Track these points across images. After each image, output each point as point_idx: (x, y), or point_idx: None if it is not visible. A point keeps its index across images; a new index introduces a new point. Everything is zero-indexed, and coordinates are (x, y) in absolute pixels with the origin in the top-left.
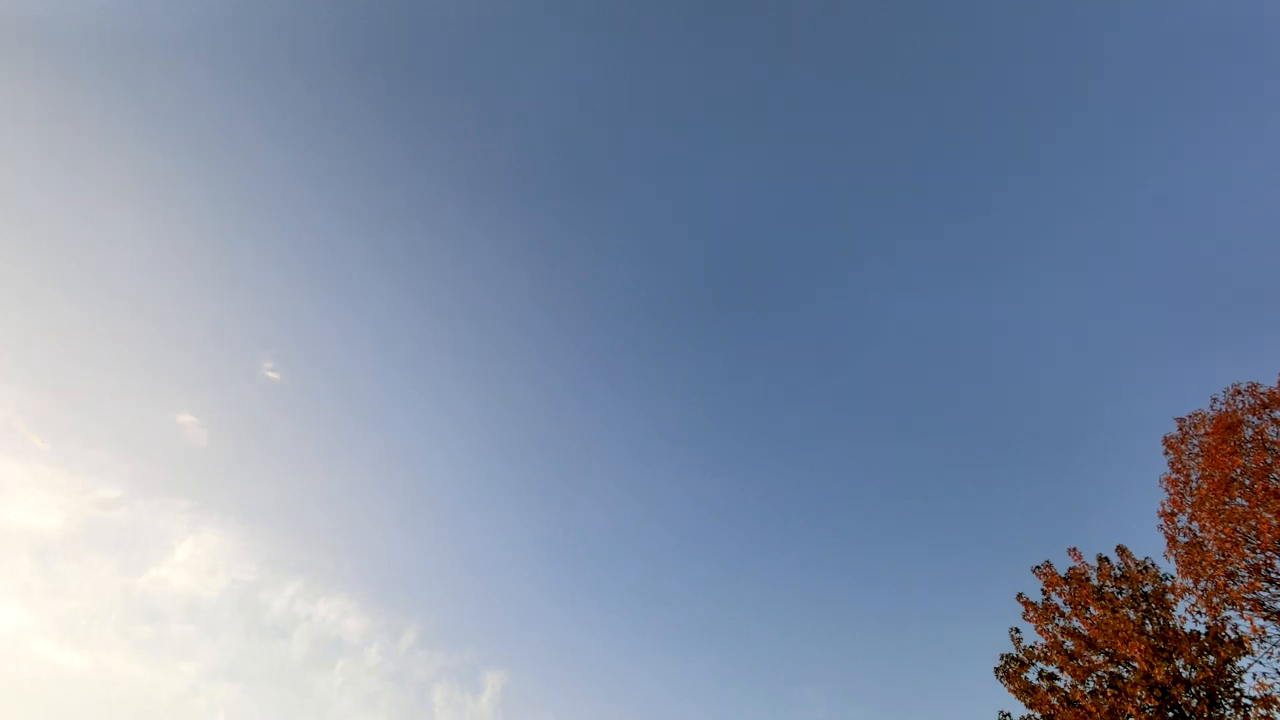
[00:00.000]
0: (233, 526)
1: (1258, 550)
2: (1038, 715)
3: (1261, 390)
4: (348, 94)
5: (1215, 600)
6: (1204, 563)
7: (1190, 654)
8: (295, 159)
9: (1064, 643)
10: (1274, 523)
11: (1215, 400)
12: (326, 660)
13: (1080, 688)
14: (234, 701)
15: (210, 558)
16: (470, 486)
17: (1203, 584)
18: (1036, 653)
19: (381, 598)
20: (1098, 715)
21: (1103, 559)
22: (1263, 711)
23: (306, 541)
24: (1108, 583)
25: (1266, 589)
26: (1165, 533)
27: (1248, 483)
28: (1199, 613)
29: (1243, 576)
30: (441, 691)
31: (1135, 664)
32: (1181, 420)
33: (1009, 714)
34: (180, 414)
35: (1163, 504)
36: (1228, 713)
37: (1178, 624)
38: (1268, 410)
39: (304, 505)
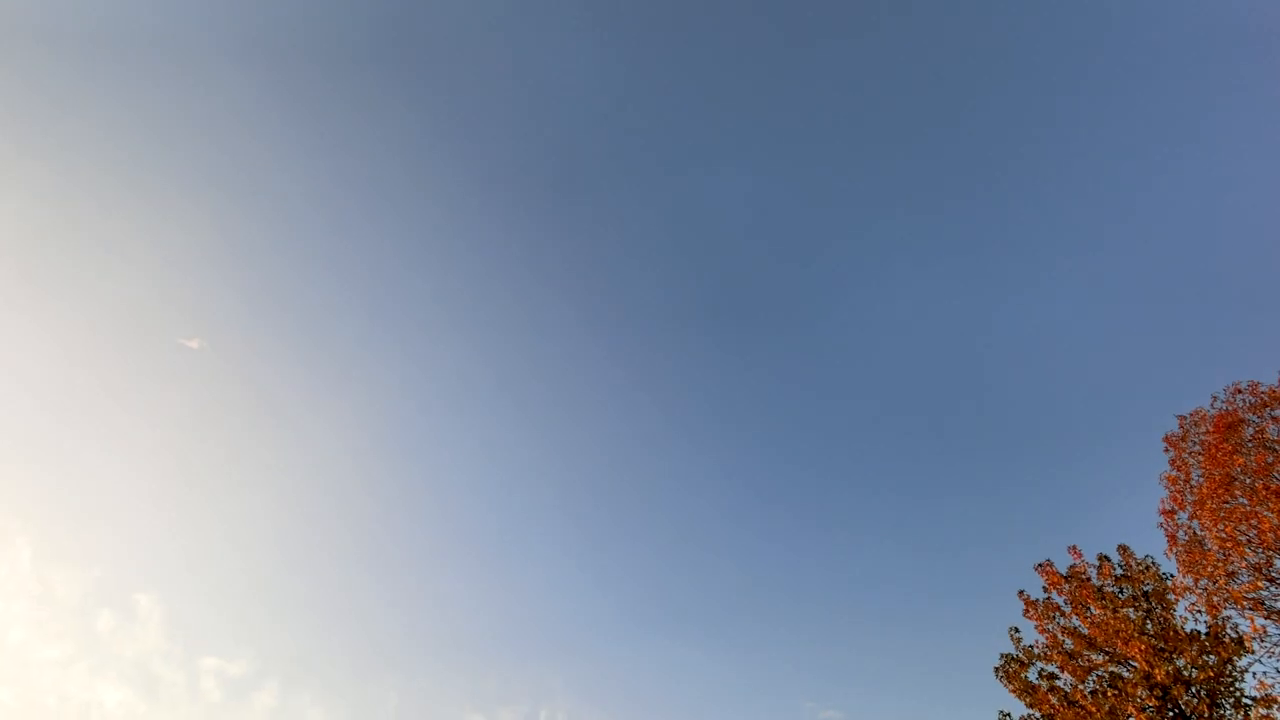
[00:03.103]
0: None
1: (1259, 549)
2: (1038, 715)
3: (1262, 389)
4: (356, 96)
5: (1216, 599)
6: (1204, 561)
7: (1191, 654)
8: (296, 160)
9: (1064, 642)
10: (1275, 521)
11: (1216, 398)
12: None
13: (1080, 687)
14: None
15: None
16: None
17: (1203, 583)
18: (1037, 652)
19: None
20: (1098, 715)
21: (1103, 558)
22: (1263, 711)
23: None
24: (1108, 582)
25: (1267, 588)
26: (1165, 531)
27: (1248, 481)
28: (1199, 612)
29: (1243, 575)
30: (106, 620)
31: (1136, 664)
32: (1182, 418)
33: (1009, 714)
34: None
35: (1163, 502)
36: (1228, 713)
37: (1178, 623)
38: (1268, 409)
39: None
